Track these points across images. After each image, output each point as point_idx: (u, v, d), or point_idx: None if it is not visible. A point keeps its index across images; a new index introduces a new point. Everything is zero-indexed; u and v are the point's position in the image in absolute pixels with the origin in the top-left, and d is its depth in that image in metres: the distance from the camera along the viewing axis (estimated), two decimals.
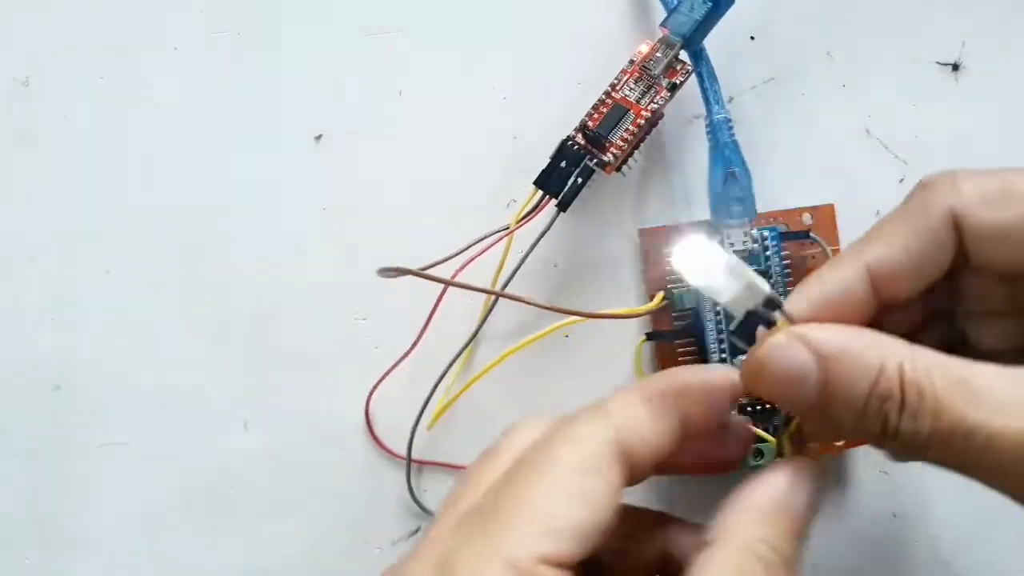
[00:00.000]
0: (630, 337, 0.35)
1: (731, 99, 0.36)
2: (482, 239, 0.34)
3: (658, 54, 0.34)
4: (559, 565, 0.21)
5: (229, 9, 0.37)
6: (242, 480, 0.37)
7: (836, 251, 0.35)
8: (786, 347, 0.24)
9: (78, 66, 0.37)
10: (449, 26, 0.36)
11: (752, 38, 0.36)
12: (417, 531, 0.36)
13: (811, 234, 0.35)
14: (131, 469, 0.37)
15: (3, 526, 0.37)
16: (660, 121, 0.34)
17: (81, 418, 0.37)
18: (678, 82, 0.34)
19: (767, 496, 0.24)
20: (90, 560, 0.37)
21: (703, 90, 0.34)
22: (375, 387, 0.36)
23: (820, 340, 0.24)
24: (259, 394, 0.37)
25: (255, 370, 0.37)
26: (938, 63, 0.36)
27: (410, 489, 0.36)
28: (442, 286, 0.34)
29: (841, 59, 0.36)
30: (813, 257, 0.35)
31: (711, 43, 0.34)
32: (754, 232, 0.34)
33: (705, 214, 0.35)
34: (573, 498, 0.22)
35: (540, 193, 0.34)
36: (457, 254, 0.34)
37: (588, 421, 0.24)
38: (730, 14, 0.35)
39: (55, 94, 0.37)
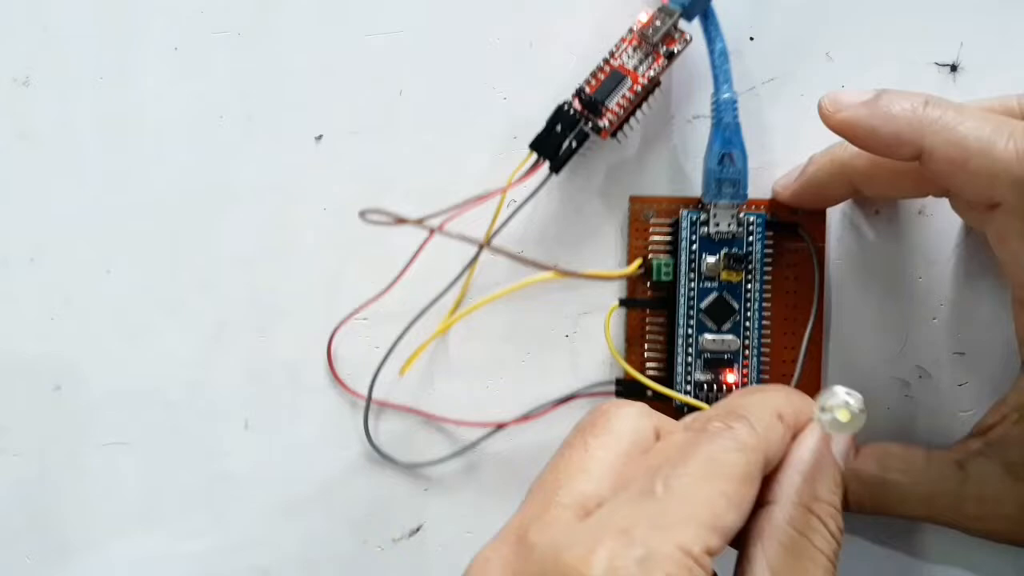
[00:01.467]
0: (608, 300, 0.36)
1: None
2: (475, 198, 0.34)
3: (657, 23, 0.34)
4: (712, 558, 0.24)
5: (229, 9, 0.37)
6: (242, 480, 0.37)
7: (821, 249, 0.35)
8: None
9: (78, 66, 0.37)
10: (449, 26, 0.36)
11: (752, 39, 0.36)
12: (418, 530, 0.37)
13: (799, 229, 0.35)
14: (131, 469, 0.37)
15: (3, 526, 0.37)
16: (656, 89, 0.34)
17: (81, 418, 0.37)
18: (676, 50, 0.34)
19: (808, 454, 0.27)
20: (90, 560, 0.37)
21: (713, 67, 0.34)
22: (337, 328, 0.36)
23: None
24: (260, 394, 0.37)
25: (255, 370, 0.37)
26: (936, 64, 0.36)
27: (366, 430, 0.36)
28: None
29: (840, 60, 0.36)
30: (795, 251, 0.35)
31: None
32: (741, 216, 0.34)
33: (697, 191, 0.35)
34: (735, 501, 0.25)
35: (535, 156, 0.34)
36: (448, 210, 0.33)
37: (746, 430, 0.26)
38: (730, 15, 0.35)
39: (55, 94, 0.37)
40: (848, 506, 0.33)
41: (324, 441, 0.37)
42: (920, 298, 0.36)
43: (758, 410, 0.27)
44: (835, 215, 0.36)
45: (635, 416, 0.28)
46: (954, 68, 0.36)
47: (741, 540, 0.26)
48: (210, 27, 0.37)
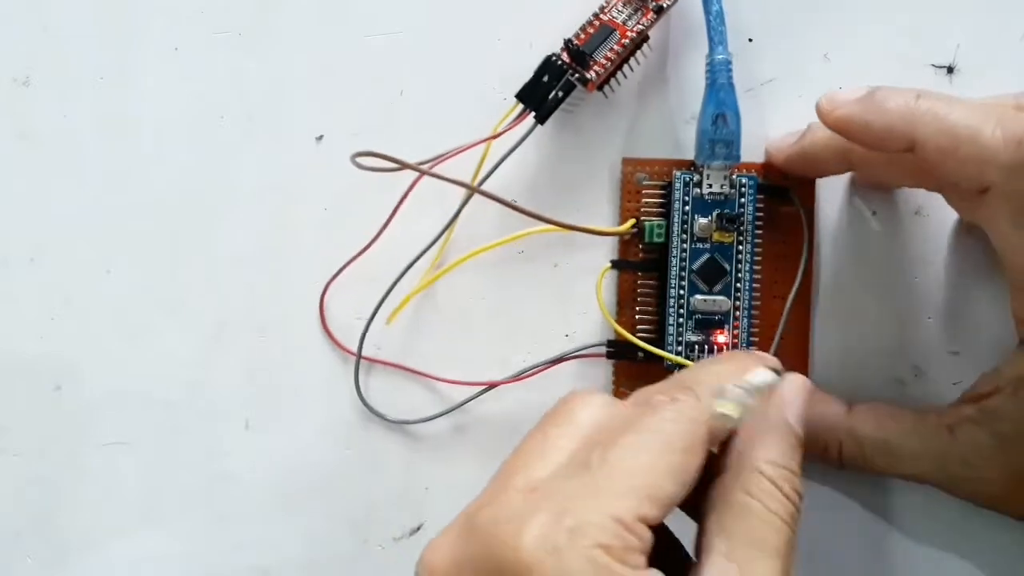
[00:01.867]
0: (599, 263, 0.36)
1: None
2: (462, 147, 0.34)
3: None
4: (649, 526, 0.24)
5: (230, 9, 0.37)
6: (243, 480, 0.37)
7: (811, 213, 0.36)
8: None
9: (78, 66, 0.37)
10: (449, 26, 0.37)
11: (750, 40, 0.36)
12: (419, 528, 0.37)
13: (790, 192, 0.35)
14: (132, 469, 0.37)
15: (5, 526, 0.37)
16: (645, 44, 0.35)
17: (82, 418, 0.37)
18: (665, 5, 0.34)
19: (758, 419, 0.28)
20: (92, 559, 0.37)
21: (709, 28, 0.34)
22: (330, 282, 0.36)
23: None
24: (260, 394, 0.37)
25: (256, 370, 0.37)
26: (933, 65, 0.36)
27: (357, 386, 0.36)
28: None
29: (838, 61, 0.36)
30: (785, 214, 0.36)
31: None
32: (734, 177, 0.35)
33: (689, 156, 0.35)
34: (674, 471, 0.25)
35: (521, 107, 0.35)
36: (435, 158, 0.34)
37: (691, 402, 0.27)
38: (729, 17, 0.36)
39: (55, 94, 0.37)
40: (840, 461, 0.34)
41: (325, 442, 0.37)
42: (916, 298, 0.36)
43: (706, 381, 0.27)
44: (833, 215, 0.36)
45: (598, 406, 0.28)
46: (951, 70, 0.36)
47: (699, 510, 0.27)
48: (210, 27, 0.37)
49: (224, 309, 0.37)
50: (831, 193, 0.36)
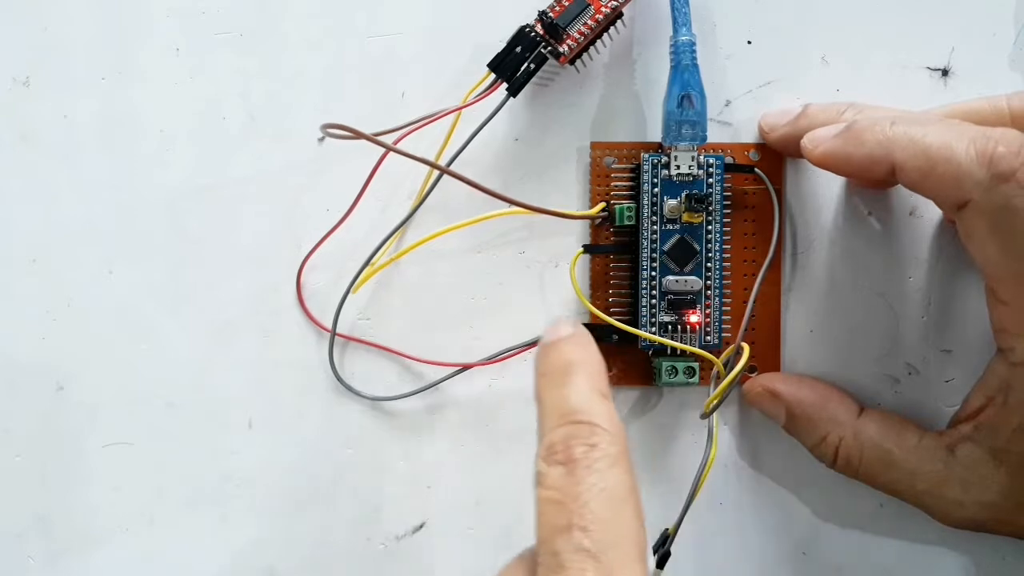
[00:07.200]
0: (570, 248, 0.37)
1: (728, 103, 0.37)
2: (430, 116, 0.35)
3: None
4: None
5: (231, 10, 0.37)
6: (247, 479, 0.37)
7: (779, 191, 0.36)
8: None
9: (79, 66, 0.37)
10: (451, 28, 0.37)
11: (749, 42, 0.37)
12: (421, 527, 0.37)
13: (756, 170, 0.36)
14: (135, 469, 0.37)
15: (7, 527, 0.37)
16: (619, 21, 0.35)
17: (84, 418, 0.37)
18: None
19: None
20: (94, 560, 0.37)
21: (673, 10, 0.34)
22: (307, 258, 0.37)
23: None
24: (263, 393, 0.37)
25: (259, 369, 0.37)
26: (928, 68, 0.37)
27: (331, 362, 0.37)
28: None
29: (835, 63, 0.37)
30: (754, 193, 0.36)
31: (707, 46, 0.35)
32: (701, 158, 0.35)
33: (657, 135, 0.36)
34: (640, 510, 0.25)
35: (493, 76, 0.35)
36: (404, 126, 0.35)
37: (609, 439, 0.25)
38: (727, 19, 0.36)
39: (55, 94, 0.37)
40: (833, 458, 0.35)
41: (329, 442, 0.37)
42: (910, 297, 0.37)
43: (592, 406, 0.26)
44: (829, 216, 0.37)
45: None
46: (945, 72, 0.37)
47: None
48: (212, 28, 0.37)
49: (227, 309, 0.37)
50: (828, 193, 0.37)
